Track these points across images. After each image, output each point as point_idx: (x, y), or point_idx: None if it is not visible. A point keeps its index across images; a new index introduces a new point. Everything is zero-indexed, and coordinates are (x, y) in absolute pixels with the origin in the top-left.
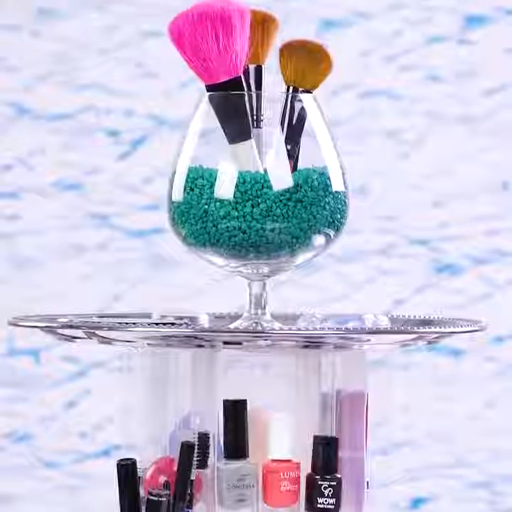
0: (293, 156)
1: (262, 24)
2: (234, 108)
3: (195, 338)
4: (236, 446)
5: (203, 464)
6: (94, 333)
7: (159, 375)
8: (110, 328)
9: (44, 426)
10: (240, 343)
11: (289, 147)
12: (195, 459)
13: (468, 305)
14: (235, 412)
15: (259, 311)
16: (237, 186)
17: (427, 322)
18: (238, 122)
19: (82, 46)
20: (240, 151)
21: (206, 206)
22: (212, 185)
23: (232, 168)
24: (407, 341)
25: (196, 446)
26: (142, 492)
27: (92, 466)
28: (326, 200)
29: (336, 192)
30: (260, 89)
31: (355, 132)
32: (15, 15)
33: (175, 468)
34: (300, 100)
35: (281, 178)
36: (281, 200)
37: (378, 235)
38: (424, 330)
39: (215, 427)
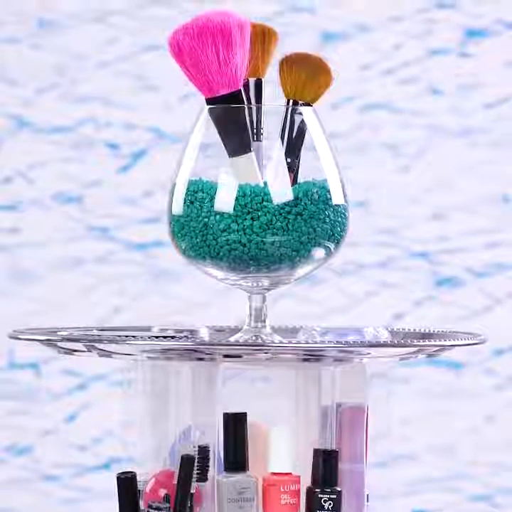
0: (293, 169)
1: (262, 37)
2: (234, 121)
3: (195, 351)
4: (236, 459)
5: (203, 477)
6: (93, 346)
7: (159, 389)
8: (110, 341)
9: (44, 439)
10: (240, 356)
11: (289, 160)
12: (195, 472)
13: (468, 318)
14: (235, 425)
15: (259, 324)
16: (237, 199)
17: (427, 335)
18: (238, 135)
19: (82, 59)
20: (240, 164)
21: (206, 219)
22: (212, 199)
23: (232, 181)
24: (407, 354)
25: (196, 460)
26: (142, 505)
27: (92, 480)
28: (326, 213)
29: (336, 205)
30: (260, 103)
31: (355, 145)
32: (15, 27)
33: (175, 481)
34: (300, 113)
35: (281, 191)
36: (281, 214)
37: (378, 248)
38: (424, 343)
39: (215, 440)
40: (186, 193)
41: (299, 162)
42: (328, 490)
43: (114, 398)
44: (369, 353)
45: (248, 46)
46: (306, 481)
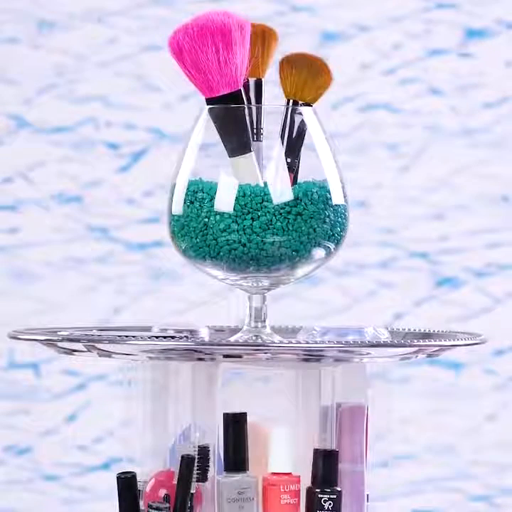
0: (293, 169)
1: (262, 37)
2: (234, 121)
3: (195, 351)
4: (236, 459)
5: (203, 477)
6: (93, 346)
7: (159, 389)
8: (110, 342)
9: (44, 439)
10: (240, 356)
11: (289, 160)
12: (195, 472)
13: (468, 318)
14: (235, 425)
15: (259, 324)
16: (237, 199)
17: (427, 335)
18: (238, 135)
19: (82, 59)
20: (240, 164)
21: (206, 219)
22: (212, 199)
23: (232, 181)
24: (407, 354)
25: (196, 460)
26: (142, 505)
27: (92, 480)
28: (326, 213)
29: (336, 205)
30: (260, 103)
31: (355, 145)
32: (15, 27)
33: (175, 481)
34: (300, 113)
35: (281, 192)
36: (281, 214)
37: (378, 248)
38: (424, 343)
39: (215, 440)
40: (186, 193)
41: (299, 162)
42: (328, 490)
43: (114, 398)
44: (369, 353)
45: (248, 46)
46: (306, 481)
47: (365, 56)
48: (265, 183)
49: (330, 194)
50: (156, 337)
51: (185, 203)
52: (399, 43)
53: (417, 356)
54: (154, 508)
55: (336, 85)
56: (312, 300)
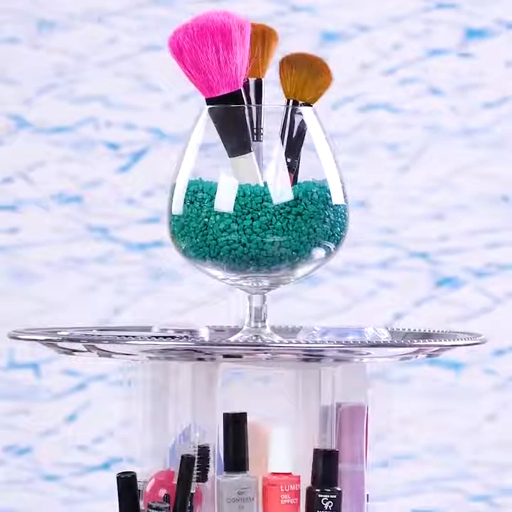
0: (293, 169)
1: (262, 37)
2: (234, 121)
3: (195, 351)
4: (236, 459)
5: (203, 477)
6: (93, 346)
7: (159, 389)
8: (110, 341)
9: (44, 439)
10: (240, 356)
11: (289, 160)
12: (195, 472)
13: (468, 318)
14: (235, 425)
15: (259, 324)
16: (237, 199)
17: (427, 335)
18: (238, 135)
19: (82, 59)
20: (240, 164)
21: (206, 219)
22: (212, 199)
23: (232, 181)
24: (407, 354)
25: (196, 460)
26: (142, 505)
27: (92, 480)
28: (326, 213)
29: (335, 205)
30: (260, 103)
31: (355, 145)
32: (15, 27)
33: (175, 481)
34: (300, 113)
35: (281, 192)
36: (281, 214)
37: (378, 248)
38: (424, 343)
39: (215, 440)
40: (186, 193)
41: (299, 162)
42: (328, 490)
43: (114, 398)
44: (369, 353)
45: (248, 46)
46: (306, 481)
47: (365, 56)
48: (265, 183)
49: (330, 194)
50: (156, 337)
51: (185, 203)
52: (399, 43)
53: (417, 356)
54: (154, 508)
55: (336, 85)
56: (312, 300)
